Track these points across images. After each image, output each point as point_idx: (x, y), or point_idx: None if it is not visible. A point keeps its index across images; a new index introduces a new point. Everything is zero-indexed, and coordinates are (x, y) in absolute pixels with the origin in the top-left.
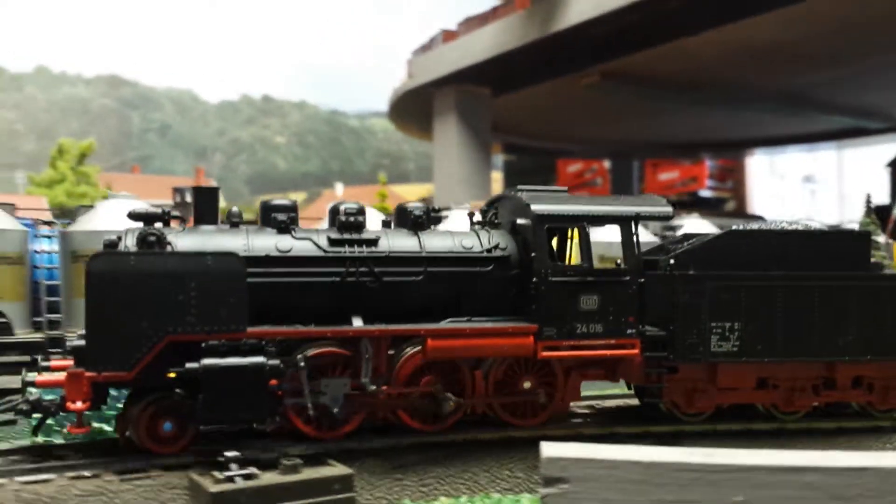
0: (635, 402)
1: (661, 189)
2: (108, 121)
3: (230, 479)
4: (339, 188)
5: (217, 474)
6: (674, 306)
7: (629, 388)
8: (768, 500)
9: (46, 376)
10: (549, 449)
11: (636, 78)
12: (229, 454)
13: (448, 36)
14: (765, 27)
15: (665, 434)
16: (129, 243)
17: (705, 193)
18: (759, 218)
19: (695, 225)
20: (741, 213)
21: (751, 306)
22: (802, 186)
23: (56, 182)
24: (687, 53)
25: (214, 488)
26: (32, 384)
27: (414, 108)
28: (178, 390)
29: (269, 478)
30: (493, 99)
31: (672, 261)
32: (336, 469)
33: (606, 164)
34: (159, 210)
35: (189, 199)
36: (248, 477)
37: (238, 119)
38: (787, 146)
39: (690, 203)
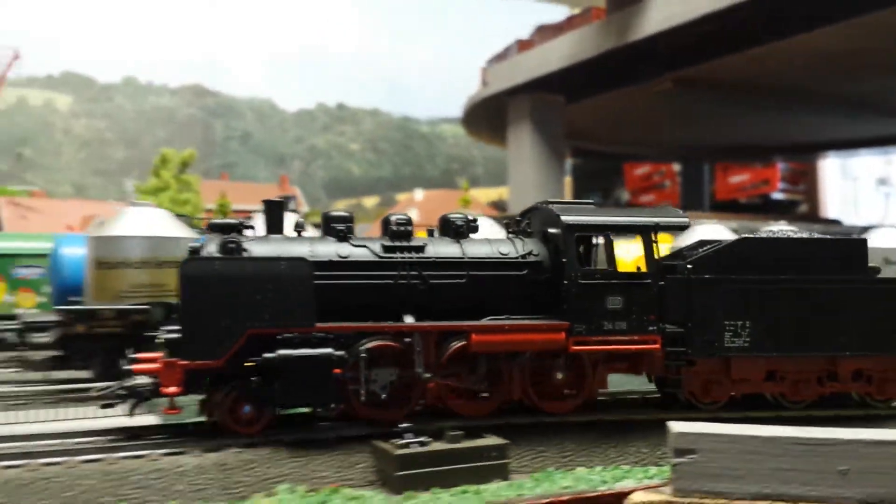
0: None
1: (732, 191)
2: (192, 129)
3: (407, 446)
4: (419, 193)
5: (397, 441)
6: (691, 306)
7: (649, 381)
8: (867, 468)
9: (143, 365)
10: (677, 426)
11: (708, 84)
12: (403, 426)
13: (523, 45)
14: (835, 36)
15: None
16: (212, 249)
17: (777, 196)
18: (835, 222)
19: (713, 231)
20: (814, 216)
21: (760, 306)
22: (876, 189)
23: (160, 190)
24: (759, 60)
25: (398, 452)
26: (131, 371)
27: (488, 115)
28: (253, 378)
29: (439, 445)
30: (566, 106)
31: (690, 265)
32: (492, 440)
33: (675, 166)
34: (235, 221)
35: (292, 206)
36: (421, 444)
37: (315, 127)
38: (860, 149)
39: (762, 206)
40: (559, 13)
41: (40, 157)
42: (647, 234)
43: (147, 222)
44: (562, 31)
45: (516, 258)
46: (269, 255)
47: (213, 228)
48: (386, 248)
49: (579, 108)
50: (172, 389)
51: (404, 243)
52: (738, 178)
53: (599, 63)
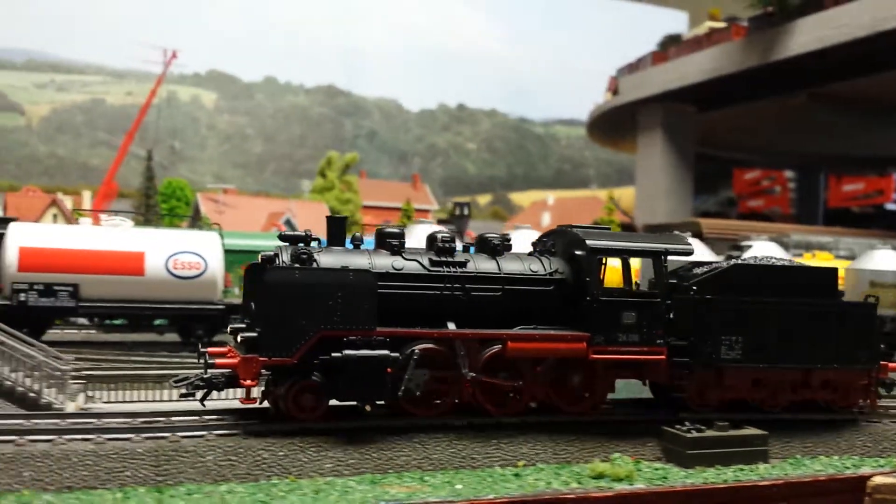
0: None
1: (845, 200)
2: (324, 127)
3: (689, 432)
4: (550, 198)
5: (682, 427)
6: (694, 322)
7: (644, 385)
8: None
9: (223, 359)
10: None
11: (842, 100)
12: (683, 415)
13: (658, 58)
14: None
15: None
16: (285, 258)
17: (892, 207)
18: None
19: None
20: None
21: (750, 324)
22: None
23: (327, 189)
24: None
25: (689, 435)
26: (212, 365)
27: (615, 123)
28: (315, 374)
29: (712, 433)
30: (697, 115)
31: (695, 287)
32: (753, 430)
33: (787, 172)
34: (303, 233)
35: (466, 212)
36: (698, 430)
37: (435, 126)
38: None
39: (874, 216)
40: (678, 21)
41: (188, 150)
42: (657, 257)
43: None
44: (700, 47)
45: (545, 275)
46: (335, 266)
47: (284, 240)
48: (433, 263)
49: (708, 117)
50: (250, 382)
51: (449, 258)
52: (852, 186)
53: (737, 78)
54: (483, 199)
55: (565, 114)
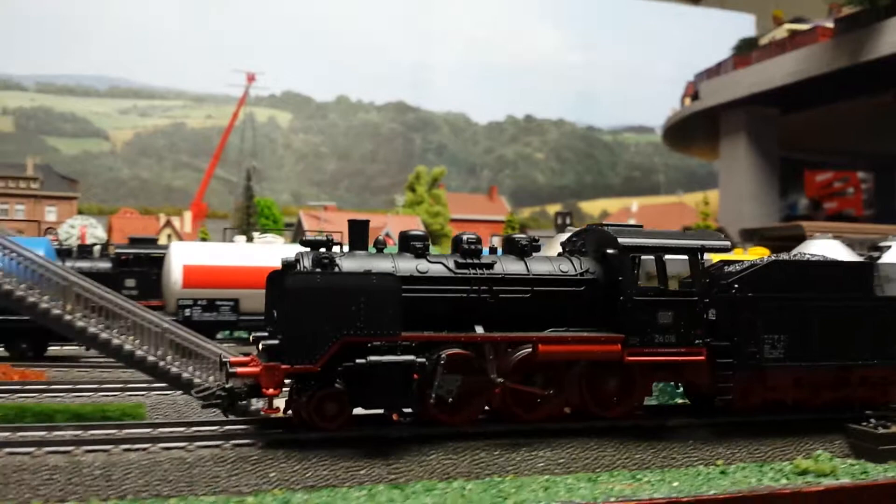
0: None
1: None
2: (394, 143)
3: (877, 428)
4: (634, 205)
5: (867, 424)
6: (736, 322)
7: (677, 389)
8: None
9: (245, 368)
10: None
11: None
12: (869, 413)
13: (740, 62)
14: None
15: None
16: (307, 264)
17: None
18: None
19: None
20: None
21: (792, 321)
22: None
23: (416, 203)
24: None
25: (879, 432)
26: (234, 375)
27: (693, 128)
28: (338, 380)
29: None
30: (781, 118)
31: (737, 285)
32: None
33: (860, 174)
34: (324, 238)
35: (569, 222)
36: (884, 426)
37: (503, 138)
38: None
39: None
40: (744, 23)
41: (266, 169)
42: (693, 255)
43: None
44: (785, 49)
45: (575, 276)
46: (358, 270)
47: (306, 245)
48: (459, 265)
49: (790, 119)
50: (272, 391)
51: (475, 261)
52: None
53: (820, 79)
54: (552, 209)
55: (633, 120)
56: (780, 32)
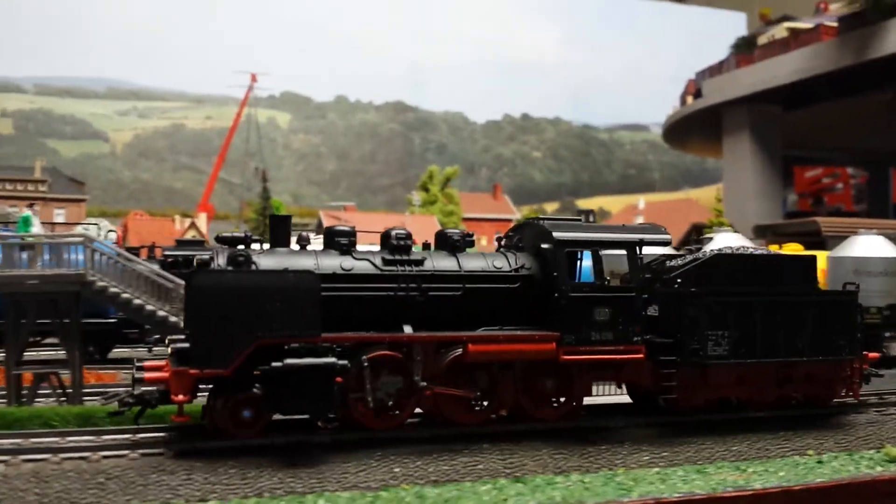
0: None
1: None
2: (394, 142)
3: None
4: (641, 202)
5: None
6: (680, 318)
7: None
8: None
9: (153, 373)
10: None
11: None
12: None
13: (743, 60)
14: None
15: None
16: (221, 262)
17: None
18: None
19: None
20: None
21: (736, 317)
22: None
23: (430, 203)
24: None
25: None
26: (141, 380)
27: (694, 127)
28: (256, 385)
29: None
30: (781, 116)
31: (679, 279)
32: None
33: (849, 170)
34: (242, 234)
35: (592, 219)
36: None
37: (501, 136)
38: None
39: None
40: (736, 23)
41: (267, 170)
42: (632, 249)
43: None
44: (789, 48)
45: (509, 272)
46: (276, 268)
47: (222, 241)
48: (386, 262)
49: (789, 116)
50: (181, 398)
51: (404, 257)
52: None
53: (823, 76)
54: (550, 207)
55: (628, 118)
56: (780, 31)
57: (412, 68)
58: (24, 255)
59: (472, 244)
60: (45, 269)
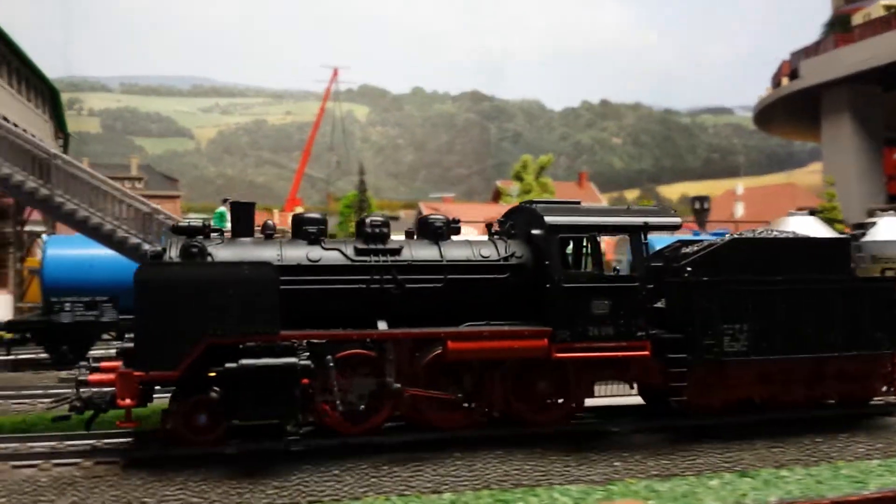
0: None
1: None
2: (470, 132)
3: None
4: (739, 188)
5: None
6: (691, 310)
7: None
8: None
9: (98, 375)
10: None
11: None
12: None
13: (843, 39)
14: None
15: None
16: (173, 254)
17: None
18: None
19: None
20: None
21: (756, 308)
22: None
23: (525, 192)
24: None
25: None
26: (86, 382)
27: (790, 109)
28: (214, 388)
29: None
30: (882, 96)
31: (690, 268)
32: None
33: None
34: (200, 223)
35: (706, 206)
36: None
37: (579, 123)
38: None
39: None
40: (814, 4)
41: (345, 163)
42: (636, 234)
43: None
44: (890, 26)
45: (497, 261)
46: (234, 260)
47: (177, 231)
48: (359, 251)
49: (891, 97)
50: (128, 402)
51: (379, 246)
52: None
53: None
54: (631, 195)
55: (711, 102)
56: (877, 10)
57: (488, 57)
58: None
59: (458, 231)
60: None
